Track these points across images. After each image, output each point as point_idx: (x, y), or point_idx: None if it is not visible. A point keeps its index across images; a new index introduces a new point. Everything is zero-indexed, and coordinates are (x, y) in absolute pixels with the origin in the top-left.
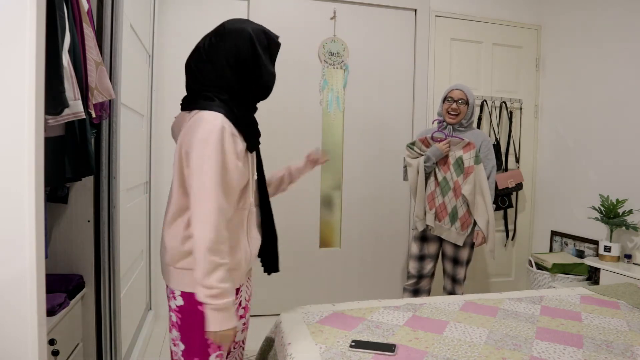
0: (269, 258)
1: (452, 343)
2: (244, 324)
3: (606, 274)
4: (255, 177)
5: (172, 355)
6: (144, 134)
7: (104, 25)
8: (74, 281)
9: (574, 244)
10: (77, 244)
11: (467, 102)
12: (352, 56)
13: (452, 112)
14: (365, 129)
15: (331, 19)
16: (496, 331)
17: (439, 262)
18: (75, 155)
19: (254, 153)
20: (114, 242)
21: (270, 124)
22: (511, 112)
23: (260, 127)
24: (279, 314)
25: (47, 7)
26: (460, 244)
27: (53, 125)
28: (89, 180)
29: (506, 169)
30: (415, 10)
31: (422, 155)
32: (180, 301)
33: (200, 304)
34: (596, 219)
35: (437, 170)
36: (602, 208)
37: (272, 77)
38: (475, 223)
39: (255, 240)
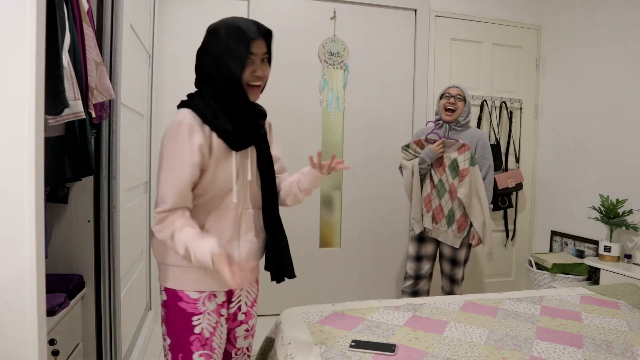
0: (275, 265)
1: (452, 343)
2: (247, 330)
3: (606, 274)
4: (249, 178)
5: (163, 350)
6: (144, 134)
7: (104, 25)
8: (74, 281)
9: (574, 244)
10: (77, 244)
11: (464, 99)
12: (352, 56)
13: (449, 108)
14: (365, 129)
15: (331, 19)
16: (496, 331)
17: (437, 263)
18: (75, 155)
19: (249, 152)
20: (114, 242)
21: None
22: (511, 112)
23: None
24: (279, 314)
25: (47, 7)
26: (457, 246)
27: (53, 125)
28: (89, 180)
29: (506, 169)
30: (415, 10)
31: (417, 157)
32: (164, 296)
33: (180, 299)
34: (596, 219)
35: (432, 172)
36: (602, 208)
37: (234, 74)
38: (472, 225)
39: (248, 243)
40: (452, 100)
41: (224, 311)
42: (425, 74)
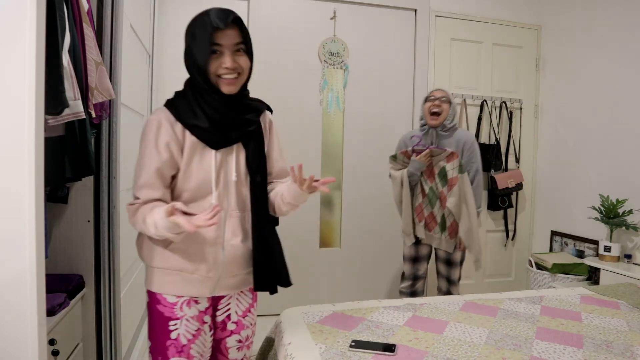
0: (261, 272)
1: (452, 343)
2: (240, 341)
3: (606, 274)
4: (234, 178)
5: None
6: None
7: (104, 25)
8: (74, 281)
9: (574, 244)
10: (77, 244)
11: (449, 101)
12: (352, 56)
13: (434, 111)
14: (365, 129)
15: (331, 19)
16: (496, 331)
17: (432, 263)
18: (75, 155)
19: (234, 151)
20: (114, 242)
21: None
22: (511, 112)
23: None
24: (279, 314)
25: (47, 7)
26: (451, 250)
27: (53, 125)
28: (89, 180)
29: (506, 169)
30: (415, 10)
31: (405, 166)
32: (147, 297)
33: (158, 302)
34: (596, 219)
35: (423, 181)
36: (602, 208)
37: (200, 67)
38: None
39: (233, 248)
40: (436, 102)
41: (207, 318)
42: (425, 74)
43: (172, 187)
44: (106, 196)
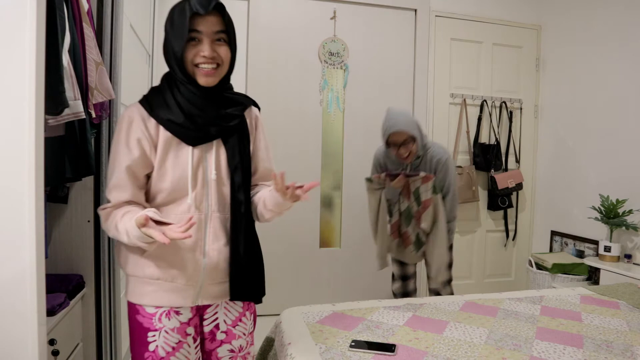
0: (238, 280)
1: (452, 343)
2: (232, 351)
3: (606, 274)
4: (213, 176)
5: None
6: None
7: (104, 25)
8: (74, 281)
9: (574, 244)
10: (77, 244)
11: (413, 139)
12: (352, 56)
13: (402, 156)
14: (365, 129)
15: (331, 19)
16: (496, 331)
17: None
18: (75, 155)
19: (213, 147)
20: (113, 242)
21: (270, 124)
22: (511, 112)
23: None
24: (279, 314)
25: (47, 7)
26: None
27: (53, 125)
28: (89, 180)
29: (506, 169)
30: (415, 10)
31: (382, 186)
32: (127, 307)
33: (137, 312)
34: (596, 219)
35: (400, 199)
36: (602, 208)
37: (176, 53)
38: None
39: (216, 252)
40: (402, 150)
41: (190, 330)
42: (425, 74)
43: (147, 187)
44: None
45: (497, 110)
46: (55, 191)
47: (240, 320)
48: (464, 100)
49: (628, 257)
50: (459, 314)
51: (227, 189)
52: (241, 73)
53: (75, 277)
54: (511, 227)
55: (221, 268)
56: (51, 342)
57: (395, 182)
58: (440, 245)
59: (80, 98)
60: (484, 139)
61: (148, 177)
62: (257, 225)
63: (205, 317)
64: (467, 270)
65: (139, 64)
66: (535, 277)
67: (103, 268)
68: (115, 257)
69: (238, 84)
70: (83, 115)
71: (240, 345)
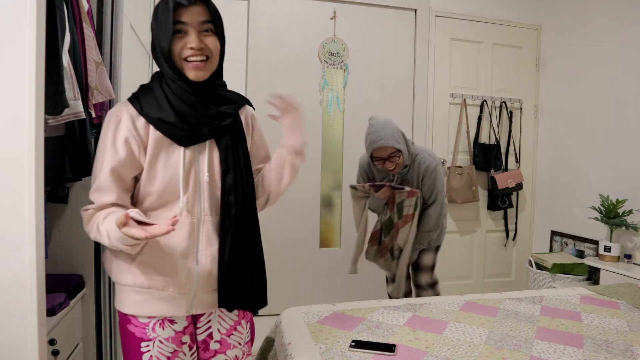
0: (224, 287)
1: (452, 343)
2: None
3: (606, 274)
4: (206, 178)
5: None
6: None
7: (104, 25)
8: (74, 281)
9: (574, 244)
10: (77, 244)
11: (399, 152)
12: (352, 56)
13: (388, 168)
14: (365, 129)
15: (331, 19)
16: (496, 331)
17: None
18: (75, 155)
19: (206, 148)
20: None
21: (270, 123)
22: (511, 112)
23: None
24: (279, 314)
25: (47, 7)
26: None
27: (53, 125)
28: (89, 180)
29: (506, 169)
30: (415, 10)
31: (367, 195)
32: (118, 316)
33: (129, 322)
34: (596, 219)
35: (384, 209)
36: (602, 208)
37: (162, 48)
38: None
39: (209, 258)
40: (388, 164)
41: (186, 338)
42: (425, 73)
43: (136, 190)
44: None
45: (497, 110)
46: (55, 191)
47: (235, 329)
48: (464, 100)
49: (628, 257)
50: (459, 314)
51: (220, 192)
52: (241, 73)
53: (75, 277)
54: (511, 227)
55: (215, 275)
56: (51, 342)
57: (380, 193)
58: (404, 256)
59: (80, 98)
60: (484, 139)
61: (137, 178)
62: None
63: (198, 325)
64: (467, 270)
65: (139, 64)
66: (535, 277)
67: (103, 268)
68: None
69: (238, 84)
70: (83, 115)
71: (236, 356)
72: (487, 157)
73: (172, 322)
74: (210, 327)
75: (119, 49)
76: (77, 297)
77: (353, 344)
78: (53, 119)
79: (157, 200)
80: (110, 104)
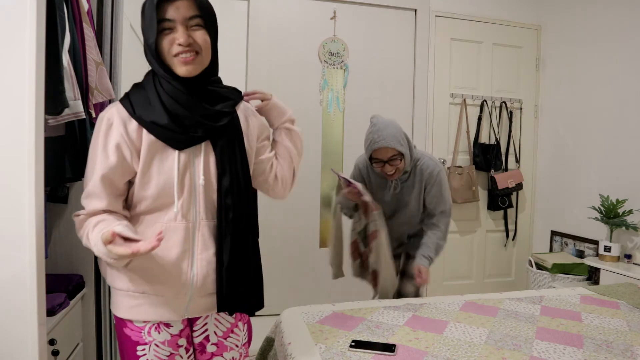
0: (222, 291)
1: (452, 343)
2: None
3: (606, 274)
4: (201, 182)
5: None
6: None
7: (104, 25)
8: (74, 281)
9: (574, 244)
10: (77, 244)
11: (401, 155)
12: (352, 56)
13: (388, 173)
14: (365, 129)
15: (331, 19)
16: (496, 331)
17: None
18: (75, 155)
19: (202, 150)
20: None
21: None
22: (511, 112)
23: None
24: (278, 314)
25: (47, 7)
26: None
27: (53, 125)
28: None
29: (506, 169)
30: (415, 10)
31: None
32: (114, 319)
33: (125, 326)
34: (596, 219)
35: (357, 216)
36: (602, 208)
37: (150, 45)
38: (410, 256)
39: (205, 262)
40: (387, 168)
41: (182, 341)
42: (425, 73)
43: (130, 194)
44: None
45: (497, 110)
46: (55, 191)
47: (232, 331)
48: (464, 100)
49: (628, 257)
50: (459, 314)
51: (216, 195)
52: (241, 73)
53: (75, 277)
54: (511, 227)
55: (211, 279)
56: (51, 342)
57: (347, 192)
58: (383, 290)
59: (80, 98)
60: (484, 139)
61: (130, 182)
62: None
63: (194, 328)
64: (467, 270)
65: (139, 64)
66: (535, 277)
67: None
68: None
69: (238, 84)
70: (83, 115)
71: (233, 358)
72: (487, 157)
73: (167, 325)
74: (206, 330)
75: (119, 49)
76: (77, 297)
77: (353, 344)
78: (53, 119)
79: (152, 204)
80: (110, 103)
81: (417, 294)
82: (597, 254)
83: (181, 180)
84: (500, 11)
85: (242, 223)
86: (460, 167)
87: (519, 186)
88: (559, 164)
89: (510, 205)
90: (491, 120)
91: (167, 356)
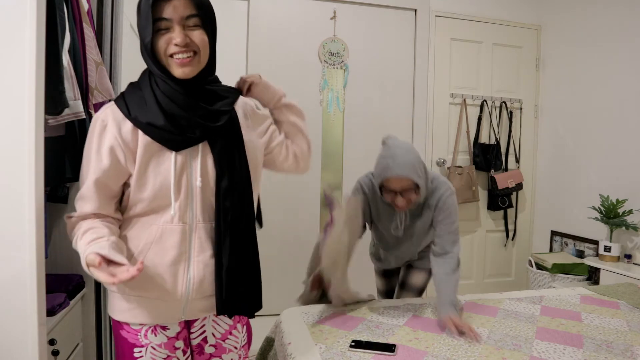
0: (221, 294)
1: (452, 343)
2: None
3: (606, 274)
4: (198, 183)
5: None
6: None
7: (104, 25)
8: (74, 281)
9: (574, 244)
10: None
11: (416, 187)
12: (352, 56)
13: (398, 205)
14: (365, 129)
15: (331, 19)
16: (496, 331)
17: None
18: (75, 155)
19: (199, 151)
20: None
21: None
22: (511, 112)
23: None
24: (278, 314)
25: (47, 7)
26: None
27: (53, 125)
28: None
29: (506, 169)
30: (415, 10)
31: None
32: (111, 321)
33: (121, 328)
34: (596, 219)
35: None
36: (602, 208)
37: (146, 46)
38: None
39: (202, 265)
40: (399, 200)
41: (179, 344)
42: (425, 73)
43: (126, 196)
44: None
45: (497, 110)
46: (55, 191)
47: (231, 333)
48: (464, 100)
49: (628, 257)
50: (459, 313)
51: (214, 197)
52: (241, 73)
53: (75, 277)
54: (511, 227)
55: (208, 281)
56: (51, 342)
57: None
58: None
59: (80, 98)
60: (484, 139)
61: (126, 183)
62: (257, 226)
63: (192, 330)
64: (467, 270)
65: (139, 64)
66: (535, 277)
67: None
68: None
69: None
70: (83, 115)
71: (232, 359)
72: (487, 157)
73: (164, 328)
74: (204, 331)
75: (119, 49)
76: (77, 297)
77: (353, 344)
78: (53, 119)
79: (148, 206)
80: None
81: (421, 287)
82: (597, 254)
83: (178, 182)
84: (500, 11)
85: (241, 225)
86: (460, 167)
87: (519, 186)
88: (559, 164)
89: (510, 205)
90: (491, 120)
91: (164, 358)
